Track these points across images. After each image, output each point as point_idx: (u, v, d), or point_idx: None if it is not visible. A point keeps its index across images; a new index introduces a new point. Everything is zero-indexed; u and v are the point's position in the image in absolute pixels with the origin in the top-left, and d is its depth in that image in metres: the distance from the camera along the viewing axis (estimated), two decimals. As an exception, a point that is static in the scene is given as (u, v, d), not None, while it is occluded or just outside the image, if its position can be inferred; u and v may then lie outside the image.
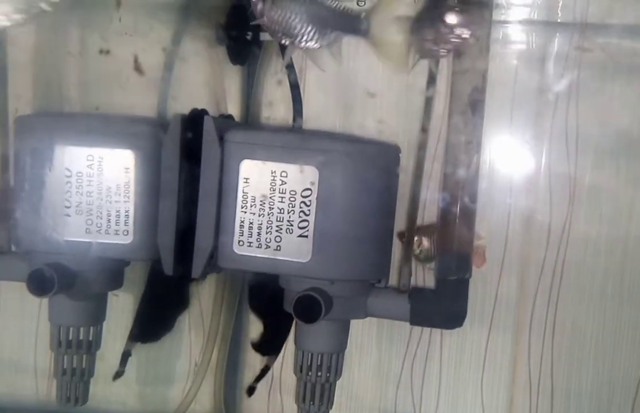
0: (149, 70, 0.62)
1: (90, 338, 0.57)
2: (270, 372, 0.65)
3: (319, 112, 0.60)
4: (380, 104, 0.60)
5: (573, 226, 0.58)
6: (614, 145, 0.57)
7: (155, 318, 0.64)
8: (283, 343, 0.61)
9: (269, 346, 0.63)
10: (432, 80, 0.57)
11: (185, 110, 0.55)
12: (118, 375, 0.64)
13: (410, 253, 0.59)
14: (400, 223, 0.58)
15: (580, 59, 0.57)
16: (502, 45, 0.57)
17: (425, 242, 0.58)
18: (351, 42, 0.59)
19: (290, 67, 0.58)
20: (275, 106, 0.61)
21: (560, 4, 0.56)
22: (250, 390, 0.64)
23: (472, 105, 0.54)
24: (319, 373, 0.54)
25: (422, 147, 0.57)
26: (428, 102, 0.57)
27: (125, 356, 0.64)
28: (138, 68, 0.61)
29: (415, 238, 0.58)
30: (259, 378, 0.64)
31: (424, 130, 0.57)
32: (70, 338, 0.56)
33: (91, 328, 0.57)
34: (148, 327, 0.64)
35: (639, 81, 0.57)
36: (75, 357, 0.56)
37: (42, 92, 0.63)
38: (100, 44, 0.62)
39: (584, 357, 0.60)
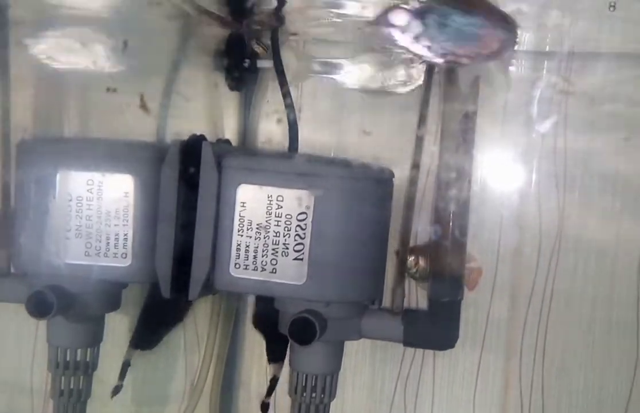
0: (153, 101, 0.64)
1: (88, 360, 0.57)
2: (265, 390, 0.65)
3: (315, 150, 0.62)
4: (374, 141, 0.61)
5: (562, 253, 0.60)
6: (601, 176, 0.59)
7: (155, 327, 0.64)
8: (286, 350, 0.59)
9: (273, 354, 0.62)
10: (422, 119, 0.58)
11: (184, 135, 0.56)
12: (117, 390, 0.63)
13: (404, 275, 0.60)
14: (393, 245, 0.59)
15: (566, 101, 0.58)
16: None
17: (422, 262, 0.58)
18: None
19: (290, 106, 0.59)
20: (273, 143, 0.63)
21: (548, 36, 0.58)
22: (264, 407, 0.63)
23: (463, 139, 0.56)
24: (314, 395, 0.55)
25: (413, 182, 0.59)
26: (419, 139, 0.59)
27: (125, 367, 0.63)
28: (144, 106, 0.63)
29: (412, 258, 0.59)
30: (269, 391, 0.63)
31: (416, 166, 0.59)
32: (68, 359, 0.56)
33: (88, 349, 0.57)
34: (147, 335, 0.64)
35: (624, 110, 0.58)
36: (72, 378, 0.56)
37: (44, 123, 0.65)
38: (107, 83, 0.64)
39: (573, 380, 0.60)
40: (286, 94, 0.59)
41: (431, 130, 0.59)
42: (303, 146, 0.61)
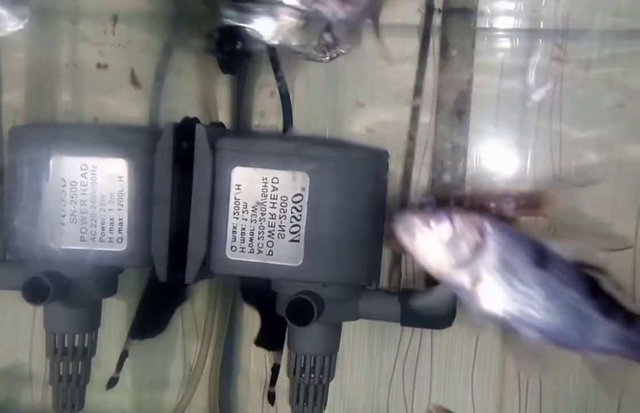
0: (145, 81, 0.63)
1: (86, 345, 0.57)
2: (264, 378, 0.65)
3: (309, 122, 0.61)
4: (369, 113, 0.61)
5: (557, 229, 0.59)
6: (596, 148, 0.59)
7: (154, 316, 0.64)
8: (284, 335, 0.59)
9: (271, 341, 0.63)
10: (418, 91, 0.58)
11: (177, 119, 0.56)
12: (113, 382, 0.64)
13: (400, 255, 0.60)
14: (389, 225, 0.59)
15: (562, 69, 0.58)
16: (487, 52, 0.59)
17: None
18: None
19: (281, 78, 0.59)
20: (267, 116, 0.63)
21: (542, 13, 0.58)
22: (271, 397, 0.63)
23: (457, 112, 0.55)
24: (312, 375, 0.55)
25: (409, 154, 0.59)
26: (415, 111, 0.59)
27: (122, 358, 0.63)
28: (135, 81, 0.62)
29: None
30: (273, 380, 0.63)
31: (411, 138, 0.59)
32: (66, 345, 0.56)
33: (86, 334, 0.57)
34: (147, 325, 0.64)
35: (618, 83, 0.58)
36: (70, 363, 0.57)
37: (35, 104, 0.64)
38: (98, 59, 0.64)
39: (571, 357, 0.60)
40: (277, 68, 0.59)
41: (426, 101, 0.59)
42: (297, 119, 0.60)
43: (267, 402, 0.64)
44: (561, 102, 0.58)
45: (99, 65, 0.63)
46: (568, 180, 0.46)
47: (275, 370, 0.63)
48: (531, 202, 0.49)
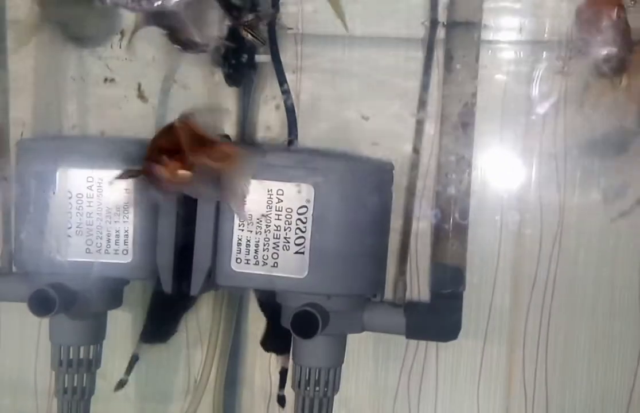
0: (151, 95, 0.64)
1: (91, 357, 0.57)
2: (269, 389, 0.65)
3: (314, 135, 0.62)
4: (373, 126, 0.61)
5: (563, 241, 0.59)
6: (600, 159, 0.59)
7: (165, 319, 0.64)
8: (290, 339, 0.58)
9: (279, 344, 0.62)
10: (422, 103, 0.58)
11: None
12: (121, 384, 0.63)
13: (405, 267, 0.60)
14: (394, 238, 0.59)
15: (565, 83, 0.58)
16: (491, 63, 0.59)
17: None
18: (345, 67, 0.61)
19: (287, 91, 0.59)
20: (272, 130, 0.63)
21: (547, 25, 0.58)
22: (281, 400, 0.63)
23: (462, 124, 0.56)
24: (317, 388, 0.55)
25: (414, 166, 0.59)
26: (419, 124, 0.59)
27: (133, 361, 0.63)
28: (141, 95, 0.63)
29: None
30: (282, 384, 0.63)
31: (416, 151, 0.59)
32: (71, 357, 0.56)
33: (91, 347, 0.57)
34: (157, 329, 0.64)
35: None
36: (75, 375, 0.57)
37: (42, 117, 0.65)
38: (105, 73, 0.64)
39: (577, 370, 0.60)
40: (282, 81, 0.59)
41: (431, 114, 0.59)
42: (301, 133, 0.60)
43: (279, 405, 0.63)
44: (565, 114, 0.58)
45: (106, 80, 0.64)
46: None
47: (283, 374, 0.62)
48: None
